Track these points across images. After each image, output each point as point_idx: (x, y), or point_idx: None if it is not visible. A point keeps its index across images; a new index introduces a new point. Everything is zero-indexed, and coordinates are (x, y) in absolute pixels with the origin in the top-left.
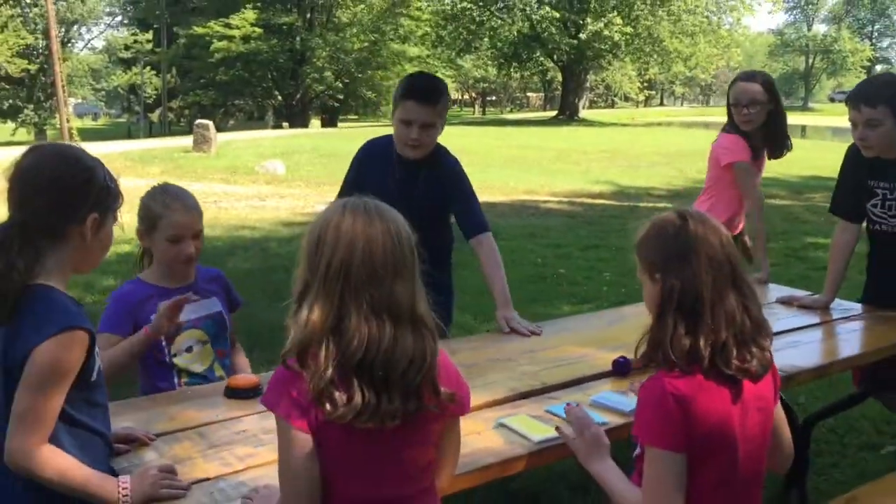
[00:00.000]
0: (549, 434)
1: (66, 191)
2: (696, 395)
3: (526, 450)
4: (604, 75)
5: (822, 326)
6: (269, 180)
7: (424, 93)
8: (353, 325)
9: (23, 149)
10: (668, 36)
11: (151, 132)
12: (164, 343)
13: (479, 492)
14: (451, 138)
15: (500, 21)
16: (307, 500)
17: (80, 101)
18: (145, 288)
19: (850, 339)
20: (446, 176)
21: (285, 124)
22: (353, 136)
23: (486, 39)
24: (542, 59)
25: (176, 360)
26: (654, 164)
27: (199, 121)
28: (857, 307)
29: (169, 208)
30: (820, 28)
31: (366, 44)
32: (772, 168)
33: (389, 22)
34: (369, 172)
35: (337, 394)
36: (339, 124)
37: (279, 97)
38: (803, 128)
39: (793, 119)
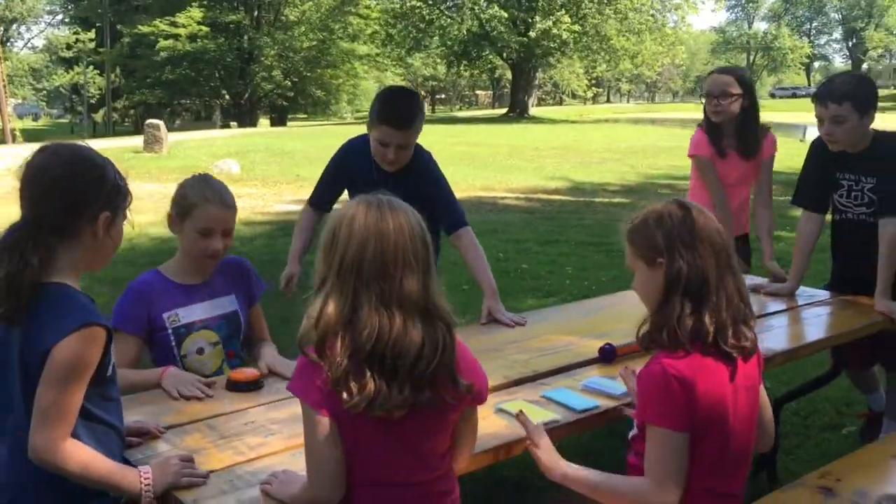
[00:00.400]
0: (549, 417)
1: (78, 189)
2: (697, 376)
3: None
4: (552, 73)
5: (791, 312)
6: (225, 180)
7: (399, 120)
8: (364, 316)
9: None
10: (615, 34)
11: (95, 132)
12: (173, 344)
13: (467, 480)
14: None
15: (449, 20)
16: (331, 484)
17: (20, 101)
18: (163, 282)
19: (819, 323)
20: (423, 177)
21: (233, 124)
22: (306, 135)
23: (435, 38)
24: (491, 57)
25: (186, 363)
26: (605, 160)
27: (149, 121)
28: (821, 293)
29: (207, 199)
30: (760, 26)
31: (314, 42)
32: None
33: (338, 20)
34: (350, 174)
35: (352, 383)
36: (289, 123)
37: (227, 96)
38: None
39: None
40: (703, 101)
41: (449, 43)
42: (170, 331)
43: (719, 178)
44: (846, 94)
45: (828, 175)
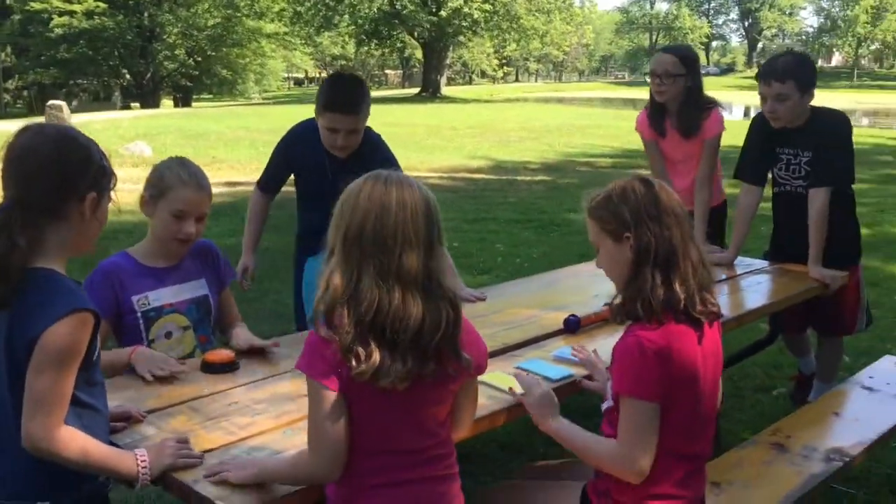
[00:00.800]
0: None
1: (65, 170)
2: (671, 345)
3: (507, 403)
4: (461, 52)
5: (731, 281)
6: (137, 163)
7: (346, 105)
8: (365, 288)
9: None
10: (525, 13)
11: None
12: (141, 327)
13: None
14: None
15: None
16: (332, 459)
17: None
18: (133, 264)
19: (759, 290)
20: (374, 160)
21: (134, 105)
22: (215, 115)
23: (345, 16)
24: (402, 36)
25: (154, 346)
26: (522, 139)
27: (51, 102)
28: (757, 262)
29: (183, 182)
30: (662, 6)
31: (219, 20)
32: (636, 141)
33: None
34: (299, 162)
35: (359, 350)
36: (194, 104)
37: (128, 76)
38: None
39: (640, 94)
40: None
41: (360, 21)
42: (139, 314)
43: (661, 157)
44: (789, 73)
45: (767, 150)
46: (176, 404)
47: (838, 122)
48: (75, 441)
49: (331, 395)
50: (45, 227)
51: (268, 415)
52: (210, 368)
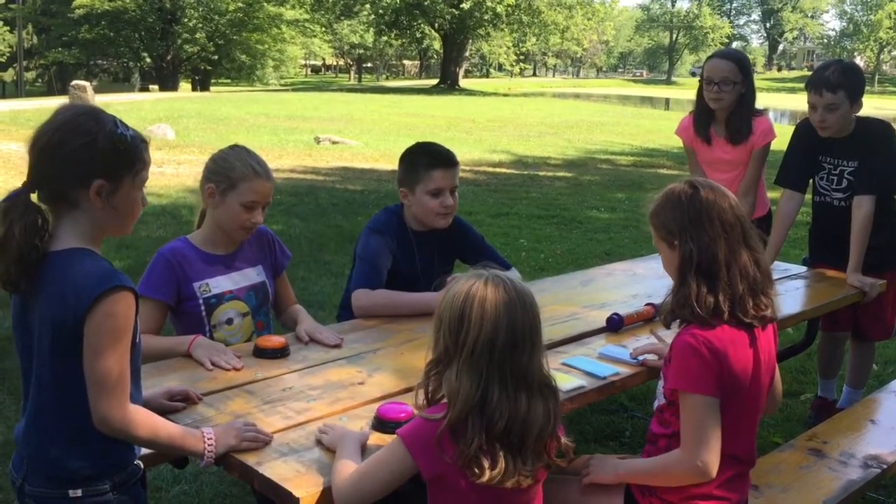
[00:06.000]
0: (575, 384)
1: (62, 157)
2: (726, 345)
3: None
4: (480, 45)
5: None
6: (160, 146)
7: (448, 159)
8: (496, 398)
9: None
10: (547, 7)
11: (5, 93)
12: (203, 314)
13: None
14: (337, 104)
15: None
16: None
17: None
18: (193, 251)
19: (797, 296)
20: (454, 231)
21: (153, 87)
22: (234, 100)
23: (367, 5)
24: (423, 26)
25: (215, 334)
26: (542, 133)
27: (75, 82)
28: (794, 267)
29: (256, 173)
30: (683, 4)
31: (241, 4)
32: (655, 140)
33: None
34: (397, 257)
35: (484, 460)
36: (212, 88)
37: (147, 59)
38: (667, 100)
39: (658, 92)
40: (703, 85)
41: (380, 11)
42: (200, 300)
43: (698, 164)
44: (840, 83)
45: (810, 157)
46: (231, 387)
47: (883, 131)
48: (144, 419)
49: (409, 472)
50: (61, 213)
51: (323, 401)
52: (262, 354)
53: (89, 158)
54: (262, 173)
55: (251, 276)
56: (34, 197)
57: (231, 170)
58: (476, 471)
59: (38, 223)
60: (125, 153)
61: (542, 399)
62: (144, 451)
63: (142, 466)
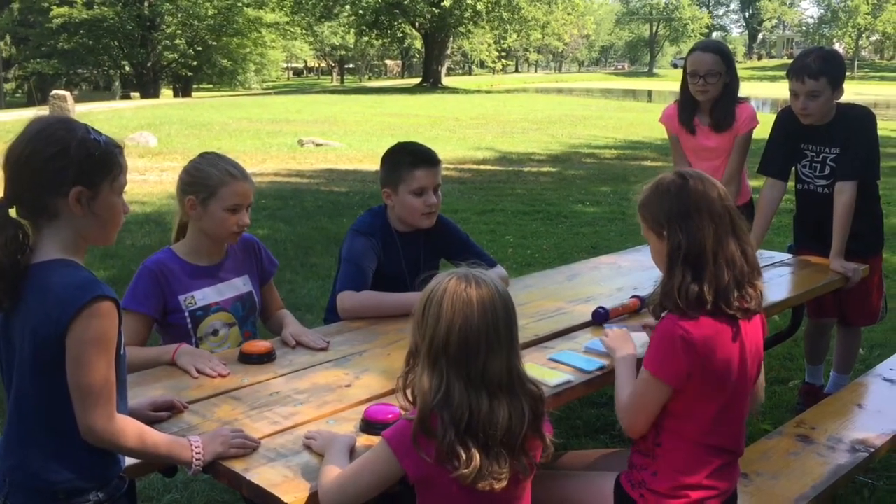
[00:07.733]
0: (562, 378)
1: (36, 168)
2: (703, 338)
3: (546, 393)
4: (461, 43)
5: None
6: (142, 153)
7: (430, 158)
8: (457, 395)
9: None
10: (527, 3)
11: None
12: (189, 327)
13: None
14: (320, 106)
15: None
16: None
17: None
18: (178, 263)
19: (783, 283)
20: (438, 230)
21: (134, 95)
22: (217, 105)
23: (347, 6)
24: (403, 26)
25: (202, 345)
26: (525, 129)
27: (55, 92)
28: (777, 255)
29: (233, 176)
30: None
31: (219, 10)
32: (638, 132)
33: None
34: (382, 258)
35: (461, 452)
36: (194, 94)
37: (128, 66)
38: (650, 92)
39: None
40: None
41: (360, 12)
42: (186, 313)
43: (682, 152)
44: (822, 70)
45: (792, 145)
46: (217, 394)
47: (864, 117)
48: (132, 428)
49: (396, 475)
50: (41, 225)
51: (309, 405)
52: (248, 359)
53: (64, 166)
54: (239, 175)
55: (238, 285)
56: (13, 212)
57: (208, 178)
58: (455, 463)
59: (19, 238)
60: (100, 158)
61: (510, 400)
62: (131, 461)
63: (127, 480)
